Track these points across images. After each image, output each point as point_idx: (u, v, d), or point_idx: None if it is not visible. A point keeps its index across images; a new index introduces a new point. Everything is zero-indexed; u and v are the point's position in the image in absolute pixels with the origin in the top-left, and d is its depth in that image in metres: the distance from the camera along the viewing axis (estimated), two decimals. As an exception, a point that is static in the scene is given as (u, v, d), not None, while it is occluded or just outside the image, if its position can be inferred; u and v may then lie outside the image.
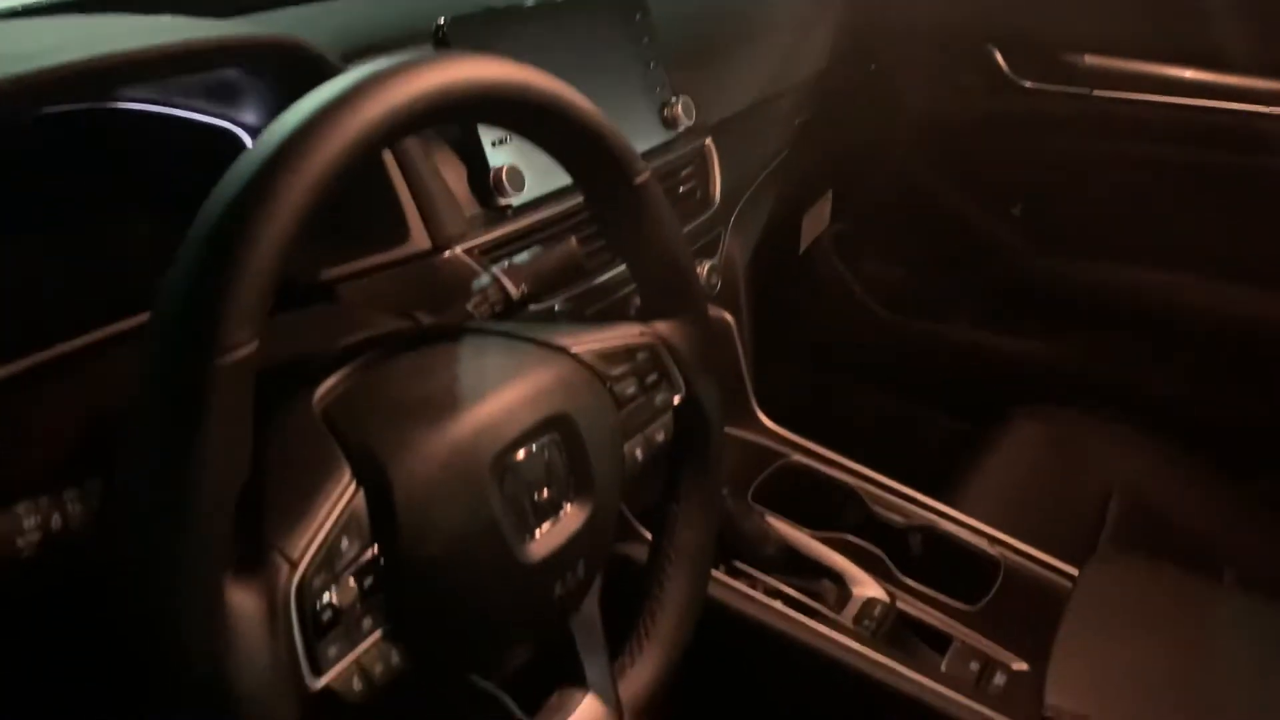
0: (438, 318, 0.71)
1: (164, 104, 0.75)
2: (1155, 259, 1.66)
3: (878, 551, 1.05)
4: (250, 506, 0.46)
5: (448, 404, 0.55)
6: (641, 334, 0.67)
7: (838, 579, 1.01)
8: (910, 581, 1.03)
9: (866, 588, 1.00)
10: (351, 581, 0.48)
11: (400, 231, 0.82)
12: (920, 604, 1.01)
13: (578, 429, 0.59)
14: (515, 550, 0.54)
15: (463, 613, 0.53)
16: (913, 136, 1.80)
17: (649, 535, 0.89)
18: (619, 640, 0.69)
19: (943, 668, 0.95)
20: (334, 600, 0.47)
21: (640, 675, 0.68)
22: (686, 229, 1.12)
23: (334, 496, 0.48)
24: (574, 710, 0.62)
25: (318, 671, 0.46)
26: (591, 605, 0.66)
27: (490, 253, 0.85)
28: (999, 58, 1.65)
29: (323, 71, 0.74)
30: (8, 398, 0.58)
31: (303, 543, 0.46)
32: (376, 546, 0.49)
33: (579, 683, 0.64)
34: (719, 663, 0.95)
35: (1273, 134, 1.50)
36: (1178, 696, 0.90)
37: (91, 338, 0.63)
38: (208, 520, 0.42)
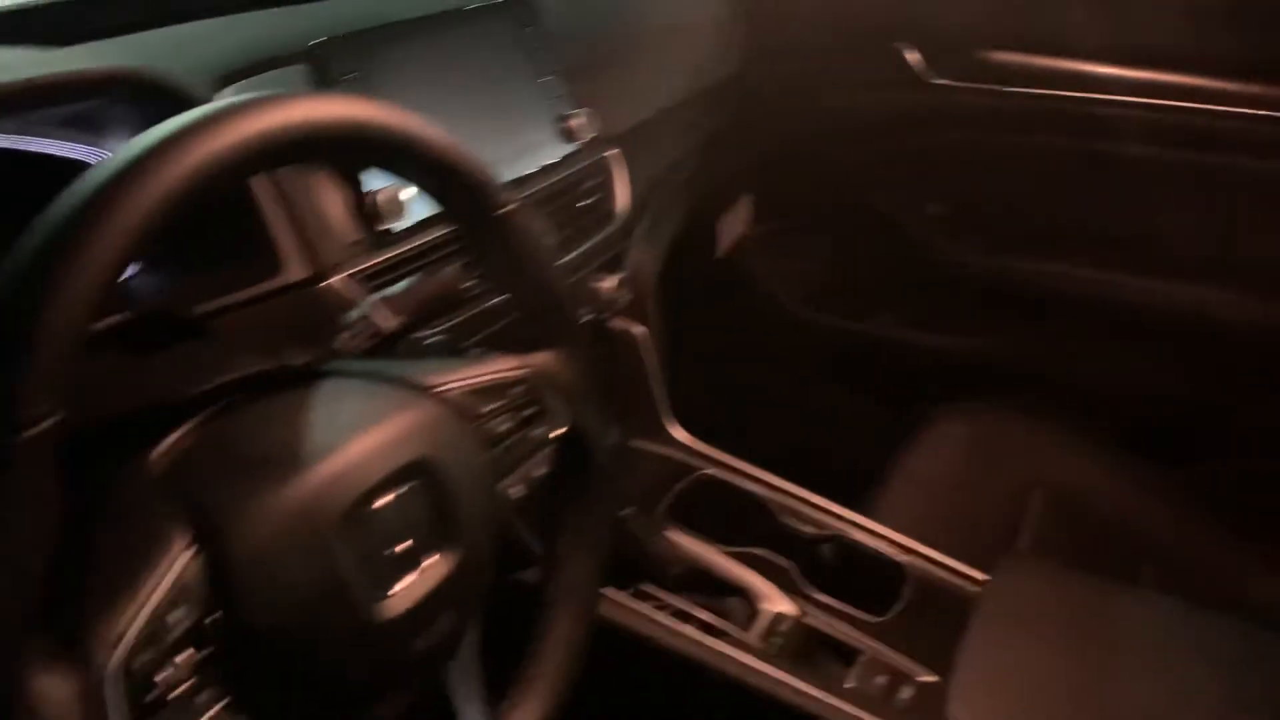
0: (306, 355, 0.69)
1: (23, 134, 0.72)
2: (1070, 252, 1.68)
3: (787, 564, 1.05)
4: (70, 585, 0.43)
5: (296, 456, 0.52)
6: (516, 367, 0.66)
7: (746, 595, 1.00)
8: (819, 595, 1.02)
9: (774, 603, 0.99)
10: (187, 654, 0.46)
11: (276, 261, 0.79)
12: (828, 617, 1.01)
13: (440, 474, 0.57)
14: (367, 609, 0.52)
15: (312, 677, 0.51)
16: (831, 136, 1.79)
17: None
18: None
19: (850, 682, 0.95)
20: (166, 676, 0.45)
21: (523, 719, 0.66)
22: (591, 242, 1.10)
23: (163, 566, 0.46)
24: None
25: None
26: (469, 652, 0.64)
27: (374, 279, 0.82)
28: (910, 56, 1.66)
29: (179, 100, 0.72)
30: None
31: (124, 620, 0.43)
32: (217, 613, 0.47)
33: None
34: (624, 688, 0.94)
35: (1180, 126, 1.52)
36: (1081, 704, 0.90)
37: None
38: (5, 607, 0.39)
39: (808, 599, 1.02)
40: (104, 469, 0.49)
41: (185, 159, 0.44)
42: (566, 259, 1.06)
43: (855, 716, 0.89)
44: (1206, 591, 1.29)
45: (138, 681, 0.43)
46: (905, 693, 0.93)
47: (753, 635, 0.96)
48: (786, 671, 0.92)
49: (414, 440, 0.56)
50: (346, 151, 0.55)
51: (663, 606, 0.97)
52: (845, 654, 0.98)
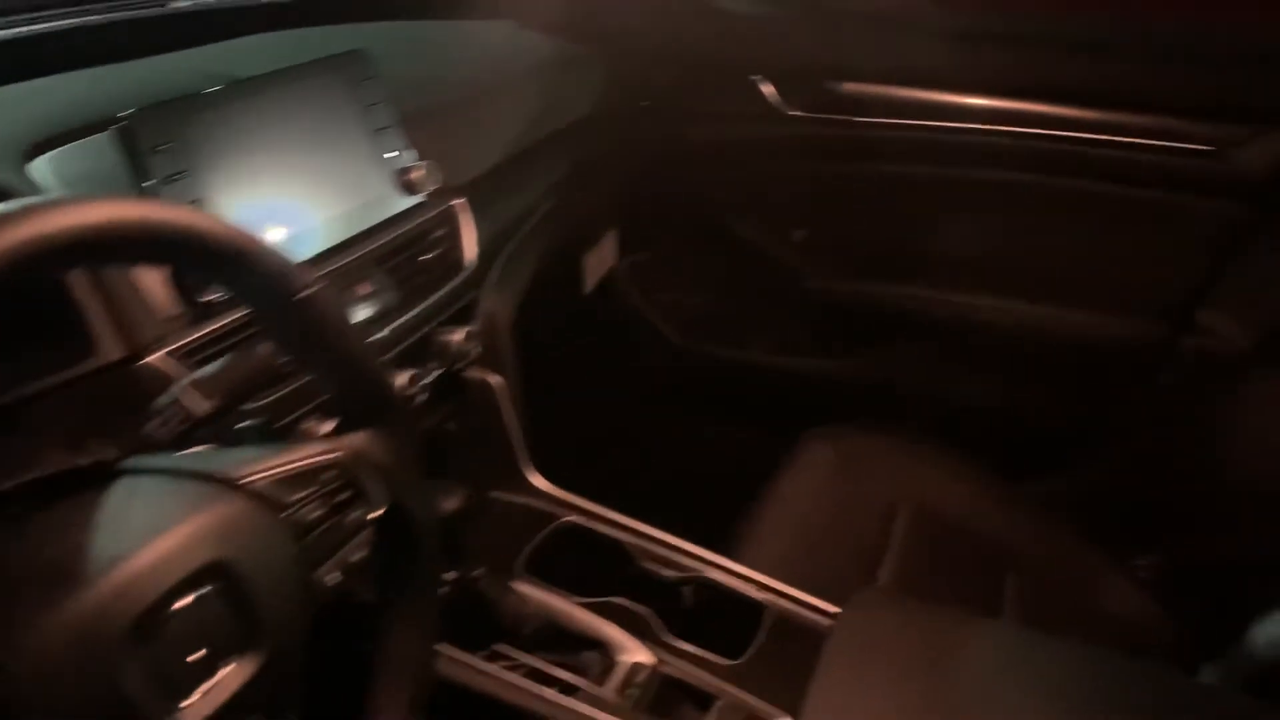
0: (114, 445, 0.66)
1: None
2: (925, 276, 1.72)
3: (645, 612, 1.05)
4: None
5: (78, 568, 0.50)
6: (327, 451, 0.64)
7: (602, 648, 1.00)
8: (677, 641, 1.03)
9: (631, 653, 0.99)
10: None
11: (89, 342, 0.76)
12: (686, 664, 1.01)
13: (239, 575, 0.55)
14: None
15: None
16: (695, 167, 1.82)
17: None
18: None
19: (705, 730, 0.95)
20: None
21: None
22: (439, 294, 1.09)
23: None
24: None
25: None
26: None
27: (195, 354, 0.80)
28: (766, 89, 1.69)
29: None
30: None
31: None
32: None
33: None
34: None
35: (1019, 150, 1.58)
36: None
37: None
38: None
39: (666, 646, 1.02)
40: None
41: None
42: (414, 313, 1.05)
43: (709, 765, 0.89)
44: (1066, 600, 1.34)
45: None
46: (760, 736, 0.94)
47: (609, 689, 0.96)
48: (642, 724, 0.92)
49: (210, 541, 0.55)
50: (121, 256, 0.54)
51: (516, 666, 0.97)
52: (702, 700, 0.99)
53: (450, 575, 0.95)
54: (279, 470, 0.61)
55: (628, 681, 0.97)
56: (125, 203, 0.51)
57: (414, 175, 1.05)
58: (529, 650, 0.99)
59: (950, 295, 1.73)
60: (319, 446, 0.64)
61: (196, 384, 0.70)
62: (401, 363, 1.04)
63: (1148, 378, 1.62)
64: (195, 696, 0.52)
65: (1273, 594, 1.07)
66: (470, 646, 0.97)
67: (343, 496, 0.64)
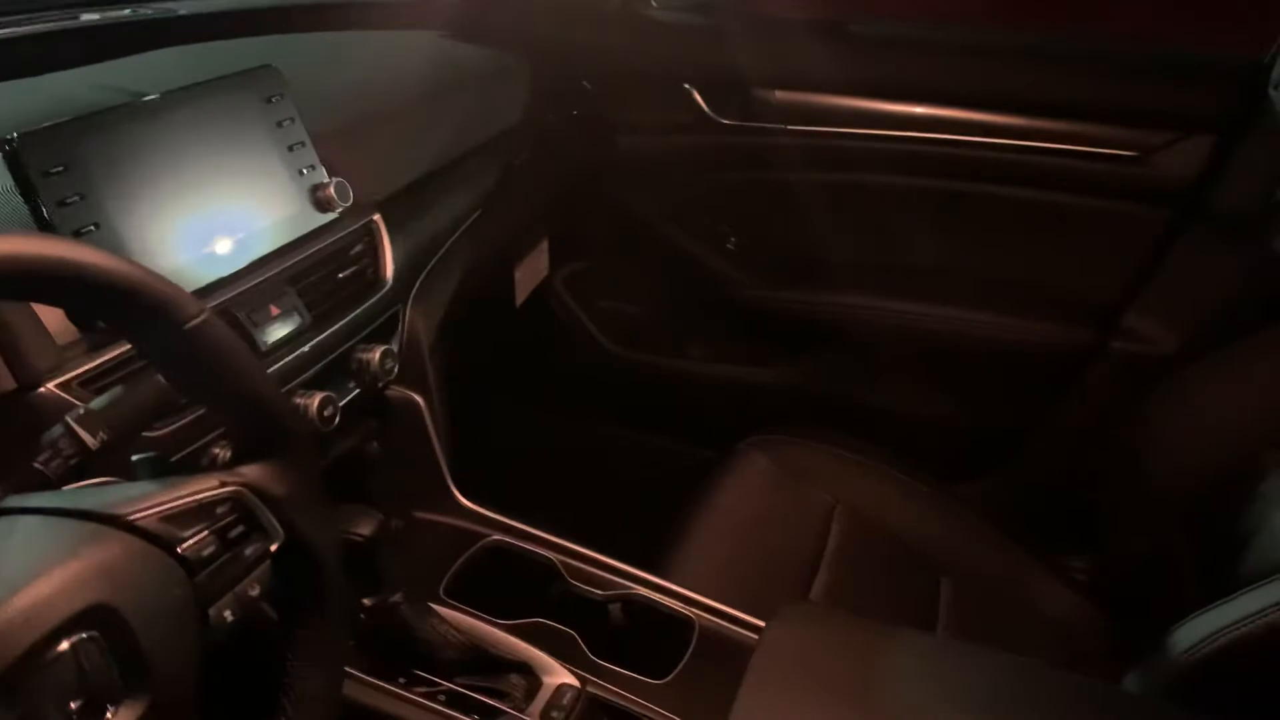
0: (1, 482, 0.64)
1: None
2: (857, 284, 1.73)
3: (570, 632, 1.03)
4: None
5: None
6: (221, 484, 0.62)
7: (527, 671, 0.98)
8: (603, 661, 1.02)
9: (556, 675, 0.98)
10: None
11: None
12: (611, 684, 1.00)
13: (123, 617, 0.53)
14: None
15: None
16: (627, 175, 1.81)
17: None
18: None
19: (632, 752, 0.94)
20: None
21: None
22: (356, 311, 1.07)
23: None
24: None
25: None
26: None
27: (92, 383, 0.77)
28: (697, 97, 1.69)
29: None
30: None
31: None
32: None
33: None
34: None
35: (947, 158, 1.60)
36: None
37: None
38: None
39: (592, 667, 1.01)
40: None
41: None
42: (330, 331, 1.03)
43: (634, 788, 0.88)
44: (1001, 603, 1.35)
45: None
46: (687, 756, 0.93)
47: (533, 712, 0.94)
48: (567, 747, 0.91)
49: (91, 583, 0.53)
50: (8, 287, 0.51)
51: (436, 691, 0.95)
52: (630, 720, 0.98)
53: (368, 601, 0.93)
54: (169, 506, 0.59)
55: (552, 704, 0.95)
56: (9, 238, 0.49)
57: (328, 192, 1.03)
58: (450, 675, 0.97)
59: (882, 302, 1.74)
60: (212, 480, 0.62)
61: (89, 415, 0.67)
62: (319, 383, 1.01)
63: (1077, 380, 1.64)
64: None
65: (1199, 593, 1.08)
66: (389, 673, 0.95)
67: (238, 530, 0.63)
